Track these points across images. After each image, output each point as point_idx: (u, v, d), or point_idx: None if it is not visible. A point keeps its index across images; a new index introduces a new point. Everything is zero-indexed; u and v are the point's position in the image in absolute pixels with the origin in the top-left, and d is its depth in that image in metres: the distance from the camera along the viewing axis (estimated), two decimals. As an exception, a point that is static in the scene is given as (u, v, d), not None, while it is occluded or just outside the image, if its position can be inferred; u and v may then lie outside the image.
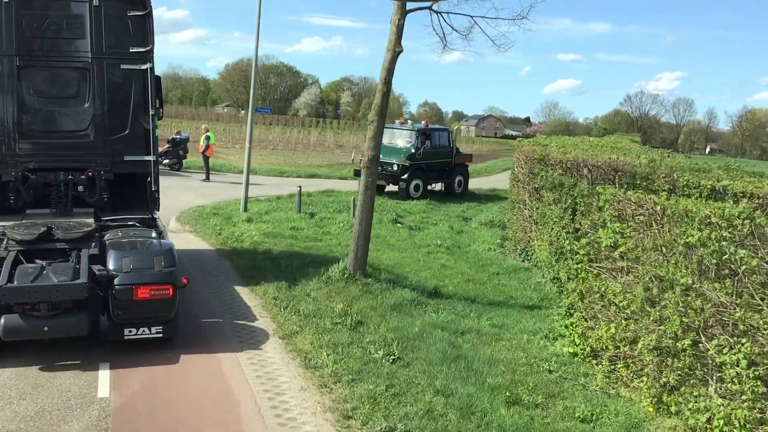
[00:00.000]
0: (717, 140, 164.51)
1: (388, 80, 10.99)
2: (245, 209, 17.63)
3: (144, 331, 8.03)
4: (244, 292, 10.87)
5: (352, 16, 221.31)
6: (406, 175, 22.84)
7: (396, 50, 10.84)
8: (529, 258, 14.95)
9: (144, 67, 9.76)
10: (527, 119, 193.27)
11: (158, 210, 10.70)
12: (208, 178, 25.16)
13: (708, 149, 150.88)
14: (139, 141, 10.00)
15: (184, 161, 28.26)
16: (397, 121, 25.08)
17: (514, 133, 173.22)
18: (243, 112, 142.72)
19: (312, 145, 51.16)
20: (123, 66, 9.69)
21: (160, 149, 27.47)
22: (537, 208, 14.46)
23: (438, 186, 25.48)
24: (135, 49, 9.68)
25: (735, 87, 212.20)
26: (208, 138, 25.38)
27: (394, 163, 23.00)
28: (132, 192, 10.37)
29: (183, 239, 14.56)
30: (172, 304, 8.07)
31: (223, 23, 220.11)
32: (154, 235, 8.99)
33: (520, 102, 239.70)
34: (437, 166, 24.48)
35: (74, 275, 7.71)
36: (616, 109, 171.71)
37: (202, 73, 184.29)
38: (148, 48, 9.74)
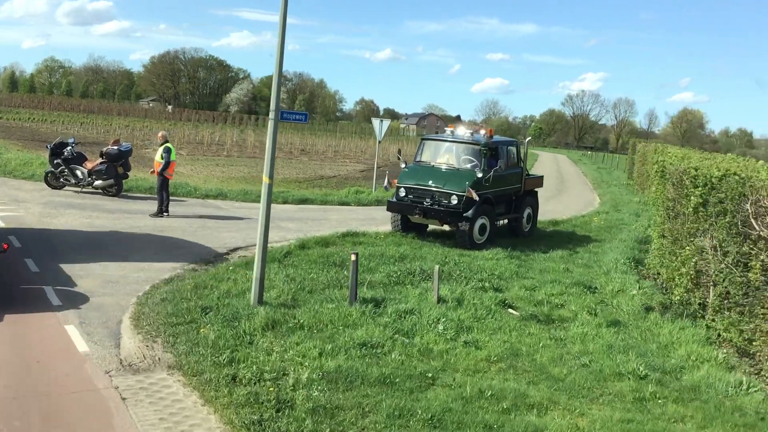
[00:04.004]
0: (649, 141, 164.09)
1: None
2: (260, 299, 9.76)
3: None
4: None
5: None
6: (470, 212, 15.31)
7: None
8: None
9: None
10: (458, 117, 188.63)
11: None
12: (165, 211, 17.01)
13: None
14: None
15: (124, 182, 19.90)
16: (448, 130, 17.29)
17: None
18: (170, 107, 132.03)
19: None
20: None
21: (90, 165, 19.17)
22: None
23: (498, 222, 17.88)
24: None
25: (655, 88, 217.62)
26: (168, 151, 17.19)
27: (452, 194, 15.46)
28: None
29: (166, 411, 6.71)
30: None
31: (149, 15, 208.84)
32: None
33: (451, 100, 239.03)
34: (505, 195, 17.04)
35: None
36: (551, 108, 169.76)
37: (125, 65, 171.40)
38: None
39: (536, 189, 18.67)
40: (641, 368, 8.58)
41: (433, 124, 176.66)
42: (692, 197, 11.43)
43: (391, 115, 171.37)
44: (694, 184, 11.52)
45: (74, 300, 9.81)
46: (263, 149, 44.10)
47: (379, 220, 18.88)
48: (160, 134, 17.99)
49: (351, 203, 22.51)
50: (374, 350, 8.43)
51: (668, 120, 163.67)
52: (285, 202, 21.42)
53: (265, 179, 9.66)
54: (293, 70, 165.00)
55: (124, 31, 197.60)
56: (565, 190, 36.02)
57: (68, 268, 11.37)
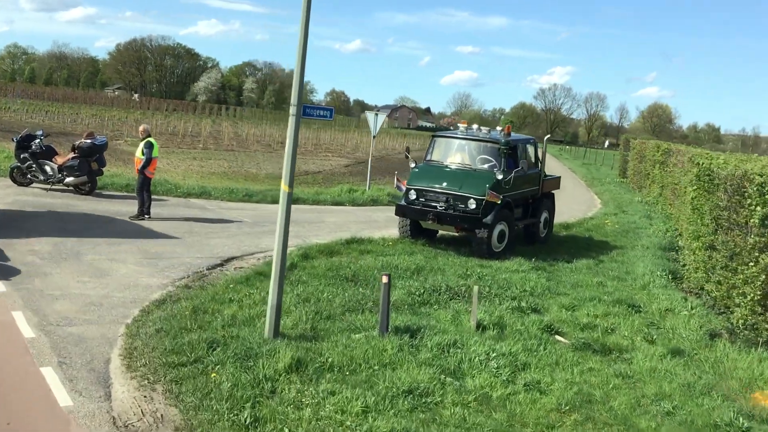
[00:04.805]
0: (618, 135, 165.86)
1: None
2: (275, 331, 8.16)
3: None
4: None
5: (253, 1, 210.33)
6: (489, 217, 13.86)
7: None
8: None
9: None
10: (428, 110, 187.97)
11: None
12: (146, 213, 15.28)
13: (607, 143, 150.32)
14: None
15: (98, 179, 18.06)
16: (461, 126, 15.79)
17: (428, 124, 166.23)
18: (136, 96, 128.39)
19: (251, 143, 41.03)
20: None
21: (60, 160, 17.33)
22: None
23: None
24: None
25: (622, 82, 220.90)
26: (150, 147, 15.44)
27: (470, 197, 13.98)
28: None
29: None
30: None
31: (115, 2, 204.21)
32: None
33: (421, 92, 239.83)
34: (523, 199, 15.61)
35: None
36: (522, 102, 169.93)
37: (90, 53, 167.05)
38: None
39: (554, 191, 17.29)
40: (740, 418, 7.20)
41: (405, 116, 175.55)
42: (758, 207, 10.09)
43: (362, 106, 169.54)
44: (760, 193, 10.18)
45: (50, 330, 8.14)
46: (240, 142, 42.32)
47: (381, 223, 17.40)
48: (141, 128, 16.18)
49: (345, 203, 20.96)
50: (424, 400, 6.91)
51: (638, 114, 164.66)
52: (274, 202, 19.68)
53: (284, 187, 7.98)
54: (263, 60, 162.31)
55: (90, 18, 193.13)
56: (560, 188, 34.74)
57: (41, 287, 9.66)
